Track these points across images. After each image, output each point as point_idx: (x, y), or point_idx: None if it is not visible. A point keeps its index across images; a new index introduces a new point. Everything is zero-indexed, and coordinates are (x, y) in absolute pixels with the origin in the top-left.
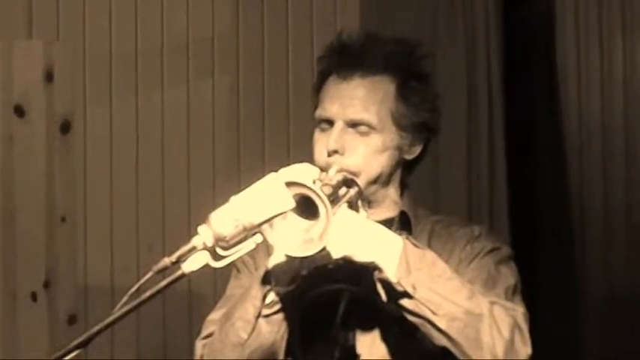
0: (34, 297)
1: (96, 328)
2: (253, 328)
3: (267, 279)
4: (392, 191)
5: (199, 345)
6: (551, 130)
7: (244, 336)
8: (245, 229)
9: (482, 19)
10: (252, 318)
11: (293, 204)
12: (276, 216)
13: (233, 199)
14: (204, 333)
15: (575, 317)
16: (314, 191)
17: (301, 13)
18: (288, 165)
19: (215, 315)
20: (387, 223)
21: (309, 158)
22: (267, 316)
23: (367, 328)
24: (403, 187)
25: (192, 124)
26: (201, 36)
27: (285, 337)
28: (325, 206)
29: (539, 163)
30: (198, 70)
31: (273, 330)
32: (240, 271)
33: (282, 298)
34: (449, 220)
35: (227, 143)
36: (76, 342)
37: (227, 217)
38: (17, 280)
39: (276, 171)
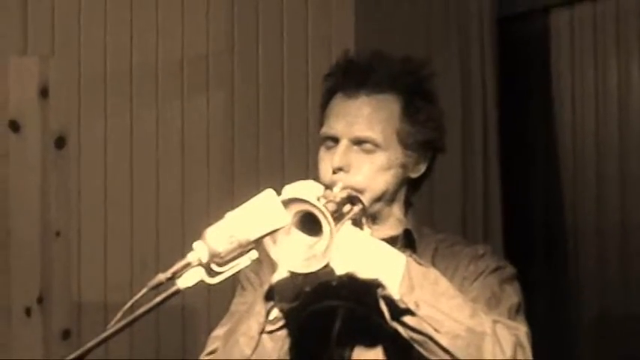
0: (28, 312)
1: (90, 344)
2: (257, 345)
3: (270, 295)
4: (396, 209)
5: None
6: (545, 149)
7: (248, 352)
8: (240, 246)
9: (477, 40)
10: (256, 334)
11: (288, 220)
12: (271, 232)
13: (228, 215)
14: (208, 349)
15: (569, 335)
16: (318, 208)
17: (296, 30)
18: (283, 181)
19: (219, 331)
20: (391, 240)
21: (304, 174)
22: (270, 332)
23: (363, 345)
24: (408, 205)
25: (186, 140)
26: (196, 52)
27: (289, 353)
28: (329, 223)
29: (534, 182)
30: (193, 86)
31: (277, 346)
32: (244, 287)
33: (286, 315)
34: (453, 239)
35: (222, 159)
36: (70, 357)
37: (222, 233)
38: (11, 295)
39: (270, 187)
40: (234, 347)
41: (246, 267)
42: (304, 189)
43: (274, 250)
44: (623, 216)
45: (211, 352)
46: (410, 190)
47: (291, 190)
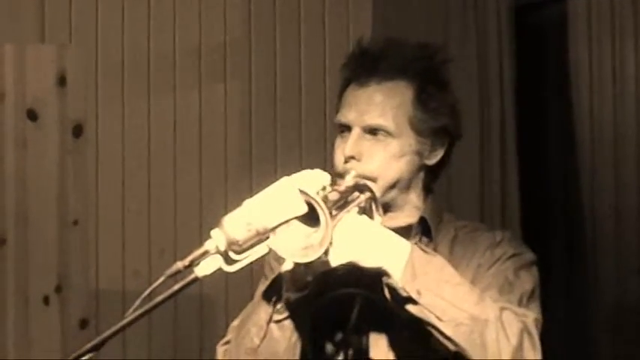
0: (46, 301)
1: (108, 332)
2: (265, 334)
3: (279, 284)
4: (413, 197)
5: (220, 350)
6: (563, 134)
7: (257, 341)
8: (258, 233)
9: (494, 25)
10: (264, 324)
11: (306, 208)
12: (289, 220)
13: (246, 203)
14: (225, 339)
15: (587, 324)
16: (312, 198)
17: (313, 19)
18: (301, 170)
19: (237, 321)
20: (408, 228)
21: (322, 162)
22: (278, 321)
23: (380, 332)
24: (427, 192)
25: (204, 128)
26: (214, 41)
27: (299, 342)
28: (324, 212)
29: (551, 168)
30: (211, 74)
31: (285, 335)
32: (266, 276)
33: (294, 304)
34: (473, 226)
35: (239, 147)
36: (89, 345)
37: (240, 221)
38: (29, 284)
39: (288, 175)
40: (245, 337)
41: (269, 255)
42: (309, 178)
43: (273, 239)
44: None
45: (227, 342)
46: (428, 177)
47: (295, 179)
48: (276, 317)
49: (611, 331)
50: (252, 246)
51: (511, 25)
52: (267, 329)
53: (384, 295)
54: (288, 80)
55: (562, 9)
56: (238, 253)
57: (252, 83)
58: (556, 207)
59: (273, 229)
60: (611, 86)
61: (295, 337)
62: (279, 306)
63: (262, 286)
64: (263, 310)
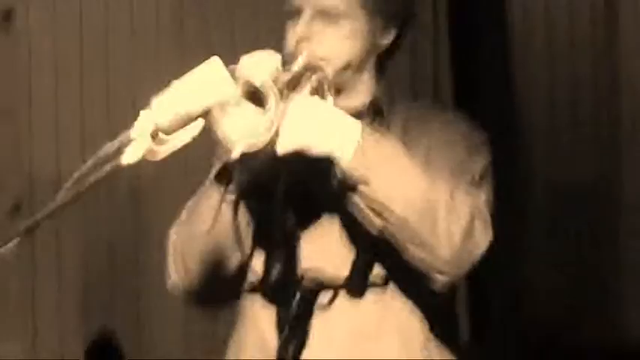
0: None
1: (40, 214)
2: (217, 215)
3: (230, 167)
4: (366, 78)
5: (172, 232)
6: (496, 22)
7: (210, 222)
8: (187, 116)
9: None
10: (217, 204)
11: (237, 91)
12: (218, 103)
13: (174, 83)
14: (179, 220)
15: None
16: (260, 79)
17: None
18: (232, 45)
19: (191, 201)
20: (360, 109)
21: (255, 38)
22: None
23: (309, 210)
24: (380, 73)
25: (135, 6)
26: None
27: (251, 223)
28: (273, 93)
29: (484, 61)
30: None
31: (237, 216)
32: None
33: (244, 184)
34: (426, 107)
35: (171, 26)
36: (20, 228)
37: (167, 104)
38: None
39: (219, 53)
40: (197, 220)
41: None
42: (261, 60)
43: (224, 121)
44: (573, 88)
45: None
46: (382, 58)
47: (246, 61)
48: (228, 198)
49: None
50: (178, 129)
51: None
52: (219, 210)
53: (317, 175)
54: None
55: None
56: (167, 134)
57: None
58: (487, 85)
59: (203, 112)
60: None
61: (248, 217)
62: (230, 187)
63: (213, 171)
64: (214, 191)
